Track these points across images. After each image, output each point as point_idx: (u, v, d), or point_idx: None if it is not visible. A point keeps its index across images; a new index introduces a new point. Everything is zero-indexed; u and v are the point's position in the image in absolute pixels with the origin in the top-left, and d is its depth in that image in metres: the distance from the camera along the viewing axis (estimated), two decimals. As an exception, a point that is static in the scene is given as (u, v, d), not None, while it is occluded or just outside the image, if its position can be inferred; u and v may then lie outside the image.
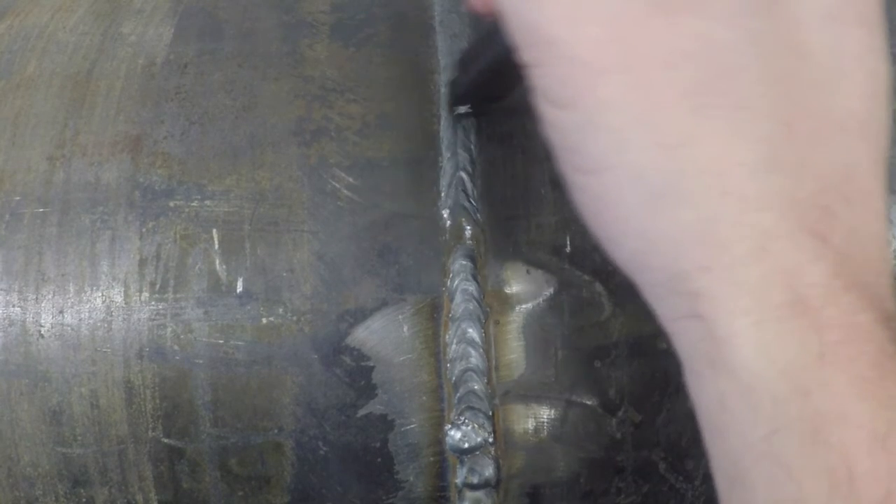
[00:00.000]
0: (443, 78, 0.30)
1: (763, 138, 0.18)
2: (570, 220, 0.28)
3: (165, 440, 0.28)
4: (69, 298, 0.29)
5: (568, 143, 0.20)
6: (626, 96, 0.19)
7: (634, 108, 0.19)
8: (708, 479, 0.28)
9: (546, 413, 0.28)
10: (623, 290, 0.28)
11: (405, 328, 0.28)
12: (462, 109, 0.29)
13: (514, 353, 0.28)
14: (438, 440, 0.28)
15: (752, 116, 0.18)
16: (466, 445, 0.27)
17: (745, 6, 0.19)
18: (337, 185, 0.29)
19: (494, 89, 0.27)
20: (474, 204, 0.28)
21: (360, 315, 0.28)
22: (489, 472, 0.28)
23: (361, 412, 0.28)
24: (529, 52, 0.20)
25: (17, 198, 0.30)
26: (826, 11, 0.19)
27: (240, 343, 0.28)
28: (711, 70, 0.18)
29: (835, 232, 0.18)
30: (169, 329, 0.28)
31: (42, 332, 0.29)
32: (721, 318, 0.18)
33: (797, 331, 0.17)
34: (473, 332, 0.27)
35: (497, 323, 0.28)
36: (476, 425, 0.27)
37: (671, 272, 0.19)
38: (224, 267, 0.28)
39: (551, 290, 0.28)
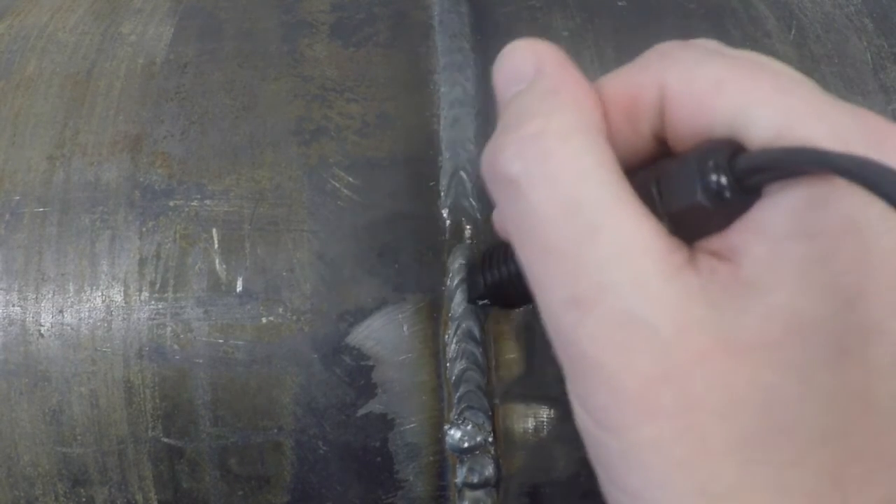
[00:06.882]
0: (442, 77, 0.30)
1: (809, 493, 0.17)
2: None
3: (165, 440, 0.28)
4: (69, 298, 0.29)
5: (604, 462, 0.18)
6: (673, 440, 0.17)
7: (680, 453, 0.17)
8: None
9: (546, 412, 0.28)
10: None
11: (405, 327, 0.28)
12: (481, 302, 0.27)
13: (514, 352, 0.28)
14: (438, 440, 0.28)
15: (802, 473, 0.17)
16: (466, 445, 0.27)
17: (817, 358, 0.17)
18: (337, 185, 0.29)
19: (515, 299, 0.25)
20: (474, 203, 0.28)
21: (360, 314, 0.28)
22: (489, 471, 0.28)
23: (361, 412, 0.28)
24: (569, 365, 0.18)
25: (17, 197, 0.30)
26: None
27: (239, 342, 0.28)
28: (769, 424, 0.17)
29: None
30: (169, 328, 0.28)
31: (42, 332, 0.29)
32: None
33: None
34: (473, 331, 0.27)
35: (497, 322, 0.28)
36: (476, 425, 0.27)
37: None
38: (224, 266, 0.28)
39: (551, 290, 0.28)
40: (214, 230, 0.28)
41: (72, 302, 0.29)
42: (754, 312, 0.17)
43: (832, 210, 0.17)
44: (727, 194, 0.17)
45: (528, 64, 0.20)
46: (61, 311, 0.29)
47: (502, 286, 0.25)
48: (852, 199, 0.17)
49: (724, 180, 0.17)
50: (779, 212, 0.17)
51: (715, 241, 0.18)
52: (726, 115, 0.18)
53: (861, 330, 0.17)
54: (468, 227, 0.28)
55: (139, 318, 0.28)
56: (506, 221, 0.20)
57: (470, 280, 0.27)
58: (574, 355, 0.18)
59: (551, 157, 0.18)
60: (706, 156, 0.18)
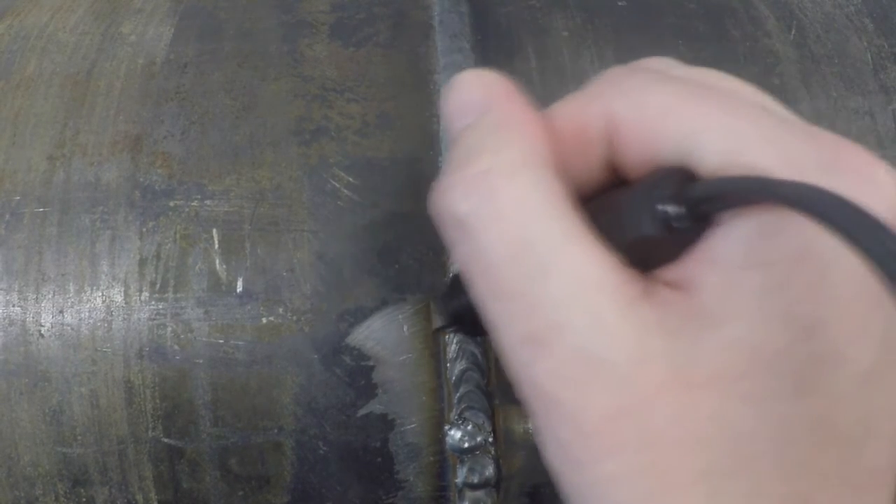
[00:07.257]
0: (442, 78, 0.30)
1: None
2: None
3: (165, 440, 0.28)
4: (69, 298, 0.29)
5: (574, 495, 0.18)
6: (638, 475, 0.17)
7: (645, 487, 0.17)
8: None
9: (546, 412, 0.28)
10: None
11: (405, 328, 0.28)
12: (451, 329, 0.27)
13: (514, 352, 0.28)
14: (438, 440, 0.28)
15: (769, 503, 0.17)
16: (466, 445, 0.27)
17: (777, 388, 0.16)
18: (337, 185, 0.29)
19: (479, 328, 0.24)
20: (474, 203, 0.28)
21: (360, 315, 0.28)
22: (489, 471, 0.28)
23: (361, 412, 0.28)
24: (530, 402, 0.18)
25: (17, 197, 0.30)
26: (863, 375, 0.17)
27: (240, 343, 0.28)
28: (733, 456, 0.17)
29: None
30: (169, 329, 0.28)
31: (42, 332, 0.29)
32: None
33: None
34: (473, 332, 0.27)
35: (497, 322, 0.28)
36: (476, 425, 0.27)
37: None
38: (224, 267, 0.28)
39: (551, 290, 0.28)
40: (214, 230, 0.28)
41: (72, 302, 0.29)
42: (711, 344, 0.17)
43: (785, 238, 0.16)
44: (676, 224, 0.17)
45: (477, 97, 0.20)
46: (61, 312, 0.29)
47: (466, 316, 0.24)
48: (805, 226, 0.16)
49: (672, 210, 0.17)
50: (731, 241, 0.17)
51: (671, 271, 0.18)
52: (676, 141, 0.18)
53: (821, 358, 0.17)
54: (468, 227, 0.28)
55: (139, 319, 0.28)
56: (458, 261, 0.19)
57: (438, 307, 0.27)
58: (534, 392, 0.18)
59: (498, 195, 0.18)
60: (655, 185, 0.17)
